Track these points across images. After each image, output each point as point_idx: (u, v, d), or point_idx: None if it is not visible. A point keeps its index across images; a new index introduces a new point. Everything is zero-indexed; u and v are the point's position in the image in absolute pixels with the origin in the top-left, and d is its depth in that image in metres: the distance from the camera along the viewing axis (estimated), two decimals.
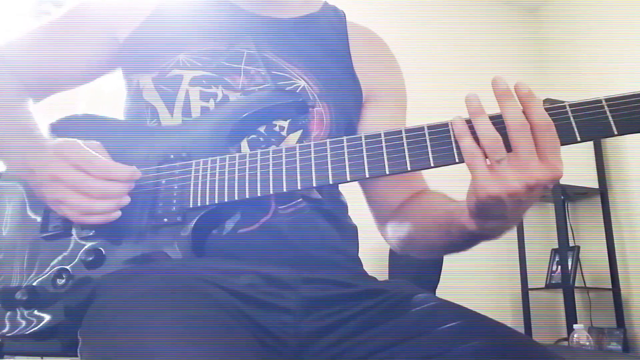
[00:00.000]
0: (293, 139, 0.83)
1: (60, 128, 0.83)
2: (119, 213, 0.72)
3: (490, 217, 0.65)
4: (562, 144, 0.62)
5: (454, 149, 0.65)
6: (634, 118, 0.61)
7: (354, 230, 0.91)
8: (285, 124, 0.83)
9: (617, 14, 3.24)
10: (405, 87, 1.04)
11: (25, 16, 2.42)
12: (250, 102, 0.81)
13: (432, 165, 0.66)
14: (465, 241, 0.74)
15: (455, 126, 0.64)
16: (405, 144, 0.67)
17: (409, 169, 0.66)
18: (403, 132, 0.68)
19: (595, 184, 3.18)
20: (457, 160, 0.65)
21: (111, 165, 0.72)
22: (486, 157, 0.61)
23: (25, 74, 0.89)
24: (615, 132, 0.62)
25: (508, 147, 0.61)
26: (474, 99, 0.62)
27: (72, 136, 0.75)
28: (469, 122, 0.63)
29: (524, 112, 0.61)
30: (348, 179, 0.69)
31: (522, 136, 0.60)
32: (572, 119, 0.63)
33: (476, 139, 0.62)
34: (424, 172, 0.84)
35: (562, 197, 3.11)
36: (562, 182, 2.97)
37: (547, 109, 0.62)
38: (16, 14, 2.43)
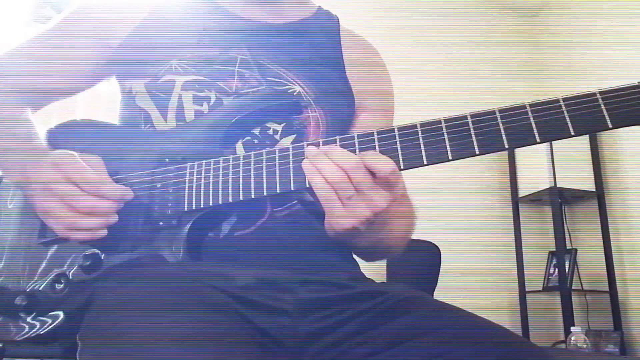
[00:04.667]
0: (287, 143, 0.83)
1: (58, 133, 0.83)
2: (104, 231, 0.72)
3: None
4: (556, 139, 0.63)
5: (448, 147, 0.65)
6: (628, 110, 0.60)
7: None
8: (279, 127, 0.83)
9: (612, 17, 3.25)
10: (393, 98, 1.04)
11: (25, 21, 2.42)
12: (243, 103, 0.81)
13: (425, 163, 0.66)
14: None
15: (305, 167, 0.67)
16: (398, 143, 0.67)
17: (402, 167, 0.67)
18: (396, 131, 0.68)
19: (592, 187, 3.17)
20: (450, 158, 0.65)
21: (104, 183, 0.71)
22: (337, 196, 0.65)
23: (22, 84, 0.89)
24: (610, 126, 0.61)
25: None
26: (312, 148, 0.69)
27: (69, 142, 0.75)
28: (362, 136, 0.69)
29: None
30: None
31: (358, 175, 0.65)
32: (565, 113, 0.62)
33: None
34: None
35: (560, 200, 3.11)
36: (559, 185, 2.99)
37: (540, 103, 0.63)
38: (16, 19, 2.42)
